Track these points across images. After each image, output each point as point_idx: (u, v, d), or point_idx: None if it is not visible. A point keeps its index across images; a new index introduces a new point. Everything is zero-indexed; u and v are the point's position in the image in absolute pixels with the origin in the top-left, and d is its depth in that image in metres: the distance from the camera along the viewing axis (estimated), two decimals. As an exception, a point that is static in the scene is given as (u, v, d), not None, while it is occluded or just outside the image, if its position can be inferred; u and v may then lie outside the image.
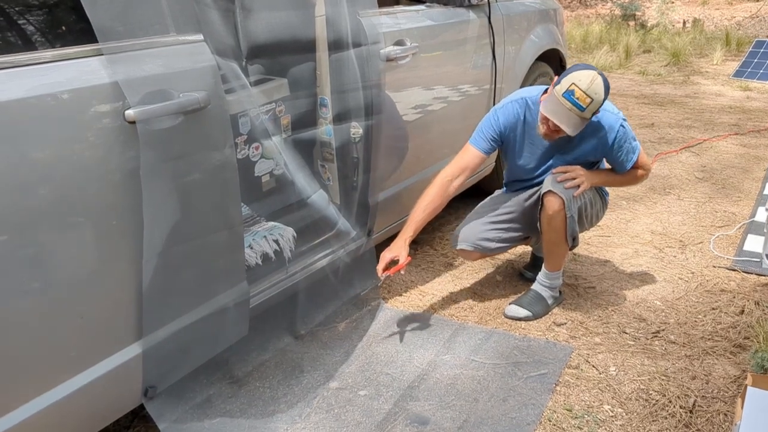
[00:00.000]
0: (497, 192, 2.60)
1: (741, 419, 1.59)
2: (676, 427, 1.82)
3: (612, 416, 1.87)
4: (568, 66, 3.52)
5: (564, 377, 2.04)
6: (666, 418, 1.86)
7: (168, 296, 1.57)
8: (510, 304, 2.41)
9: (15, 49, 1.28)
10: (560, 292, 2.48)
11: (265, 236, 2.05)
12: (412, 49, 2.38)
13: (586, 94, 2.04)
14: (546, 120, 2.15)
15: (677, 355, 2.14)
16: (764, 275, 2.63)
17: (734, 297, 2.49)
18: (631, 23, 10.33)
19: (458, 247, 2.42)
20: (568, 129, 2.09)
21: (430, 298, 2.54)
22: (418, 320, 2.37)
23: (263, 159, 2.26)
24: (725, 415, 1.86)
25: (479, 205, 2.53)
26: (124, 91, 1.37)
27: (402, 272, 2.29)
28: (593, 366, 2.09)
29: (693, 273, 2.69)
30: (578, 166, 2.27)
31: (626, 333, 2.28)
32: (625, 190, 3.50)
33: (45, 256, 1.29)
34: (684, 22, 10.63)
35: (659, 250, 2.91)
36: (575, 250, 2.73)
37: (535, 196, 2.36)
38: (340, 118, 2.28)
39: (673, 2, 11.46)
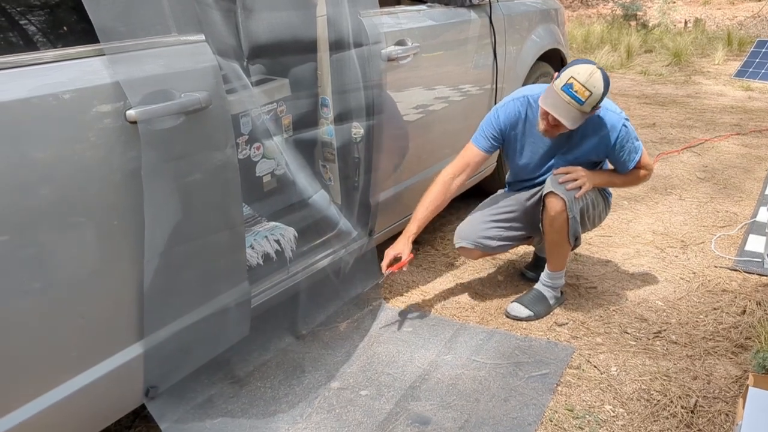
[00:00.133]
0: (499, 191, 2.60)
1: (742, 419, 1.58)
2: (677, 427, 1.82)
3: (613, 416, 1.87)
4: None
5: (565, 377, 2.04)
6: (667, 418, 1.85)
7: (169, 296, 1.57)
8: (512, 303, 2.41)
9: (17, 50, 1.28)
10: (562, 292, 2.48)
11: (266, 236, 2.05)
12: (413, 49, 2.38)
13: (585, 87, 2.04)
14: (546, 115, 2.14)
15: (679, 356, 2.14)
16: (766, 275, 2.63)
17: (736, 297, 2.49)
18: (633, 23, 10.32)
19: (459, 245, 2.42)
20: (567, 122, 2.08)
21: (431, 298, 2.54)
22: (420, 320, 2.38)
23: (264, 159, 2.27)
24: (727, 415, 1.86)
25: (480, 204, 2.53)
26: (126, 91, 1.37)
27: (404, 269, 2.31)
28: (594, 366, 2.09)
29: (694, 273, 2.69)
30: (579, 167, 2.26)
31: (628, 333, 2.28)
32: (626, 190, 3.50)
33: (46, 256, 1.29)
34: (685, 22, 10.61)
35: (661, 250, 2.91)
36: (577, 250, 2.73)
37: (537, 196, 2.36)
38: (341, 118, 2.28)
39: (674, 2, 11.45)
